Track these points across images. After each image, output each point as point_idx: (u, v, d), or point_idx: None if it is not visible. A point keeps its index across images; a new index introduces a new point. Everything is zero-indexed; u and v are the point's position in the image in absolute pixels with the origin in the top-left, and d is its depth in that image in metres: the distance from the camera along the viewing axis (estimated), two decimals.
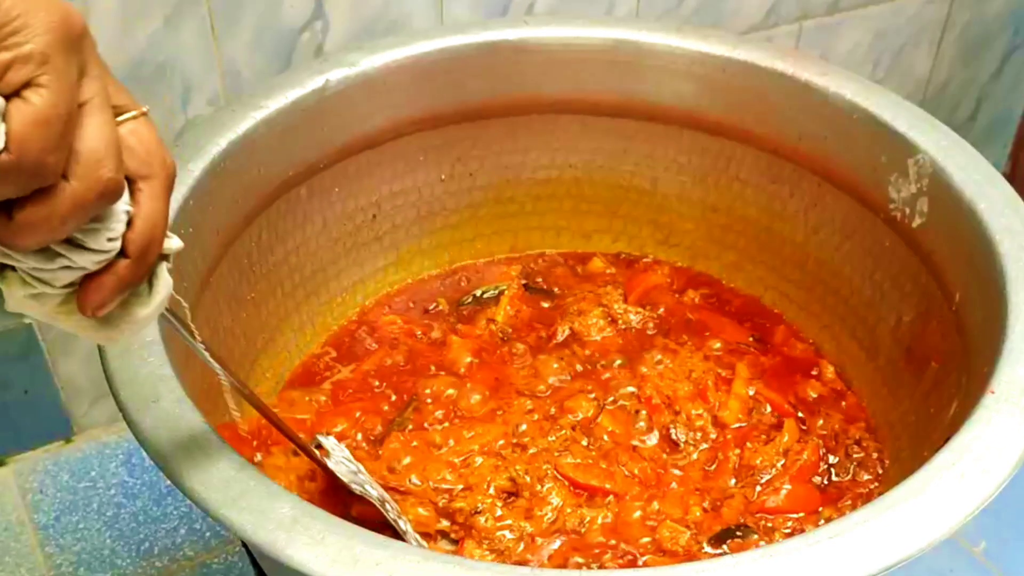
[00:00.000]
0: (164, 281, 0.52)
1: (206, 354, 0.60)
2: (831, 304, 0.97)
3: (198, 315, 0.77)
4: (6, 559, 1.05)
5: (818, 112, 0.93)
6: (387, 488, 0.81)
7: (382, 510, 0.77)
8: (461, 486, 0.82)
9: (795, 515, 0.82)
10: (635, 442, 0.86)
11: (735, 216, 1.02)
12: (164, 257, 0.52)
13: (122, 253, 0.48)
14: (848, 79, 0.92)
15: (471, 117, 0.99)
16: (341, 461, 0.78)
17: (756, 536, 0.80)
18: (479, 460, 0.84)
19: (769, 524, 0.82)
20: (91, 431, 1.17)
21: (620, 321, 0.97)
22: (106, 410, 1.16)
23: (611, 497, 0.82)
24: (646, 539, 0.79)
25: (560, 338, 0.96)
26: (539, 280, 1.05)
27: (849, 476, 0.86)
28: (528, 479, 0.82)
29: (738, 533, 0.80)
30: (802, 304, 1.00)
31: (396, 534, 0.75)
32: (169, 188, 0.50)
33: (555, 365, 0.93)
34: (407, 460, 0.84)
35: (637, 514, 0.81)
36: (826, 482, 0.86)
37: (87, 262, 0.46)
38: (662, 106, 1.00)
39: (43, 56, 0.42)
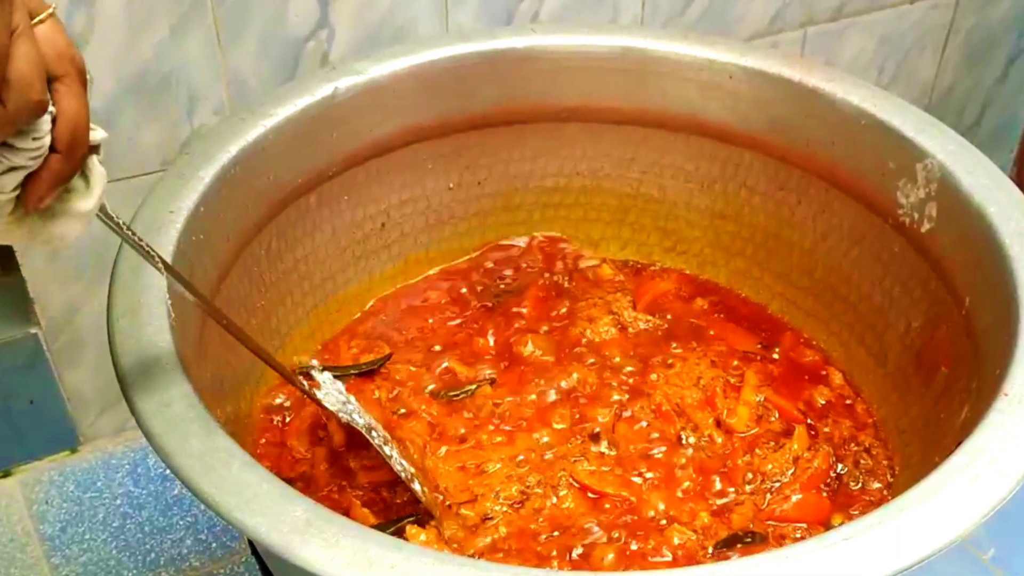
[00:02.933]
0: (98, 172, 0.56)
1: (157, 260, 0.64)
2: (839, 311, 0.97)
3: (209, 321, 0.77)
4: (12, 570, 1.05)
5: (825, 118, 0.93)
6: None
7: (368, 437, 0.80)
8: (471, 494, 0.82)
9: (805, 523, 0.82)
10: (646, 448, 0.86)
11: (743, 223, 1.02)
12: (94, 150, 0.55)
13: (53, 150, 0.52)
14: (855, 85, 0.92)
15: (479, 125, 0.99)
16: (331, 392, 0.81)
17: (765, 542, 0.80)
18: (497, 466, 0.84)
19: (780, 533, 0.82)
20: (97, 441, 1.17)
21: (630, 328, 0.97)
22: (112, 420, 1.16)
23: (622, 502, 0.82)
24: (654, 543, 0.79)
25: (571, 345, 0.96)
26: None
27: (859, 484, 0.86)
28: (540, 490, 0.82)
29: (746, 539, 0.80)
30: (810, 311, 1.00)
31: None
32: (83, 83, 0.53)
33: (569, 372, 0.93)
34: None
35: (647, 518, 0.81)
36: (835, 489, 0.85)
37: (21, 159, 0.51)
38: (669, 113, 1.00)
39: None
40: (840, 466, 0.87)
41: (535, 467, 0.84)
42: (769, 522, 0.82)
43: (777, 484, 0.84)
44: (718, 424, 0.89)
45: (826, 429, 0.90)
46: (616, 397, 0.90)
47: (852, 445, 0.89)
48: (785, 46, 1.32)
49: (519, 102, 0.99)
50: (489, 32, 1.01)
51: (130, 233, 0.61)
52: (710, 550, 0.79)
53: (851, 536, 0.58)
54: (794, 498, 0.83)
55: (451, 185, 1.02)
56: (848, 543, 0.58)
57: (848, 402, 0.93)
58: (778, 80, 0.95)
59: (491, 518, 0.80)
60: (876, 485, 0.86)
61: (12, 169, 0.51)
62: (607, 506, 0.82)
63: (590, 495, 0.82)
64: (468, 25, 1.11)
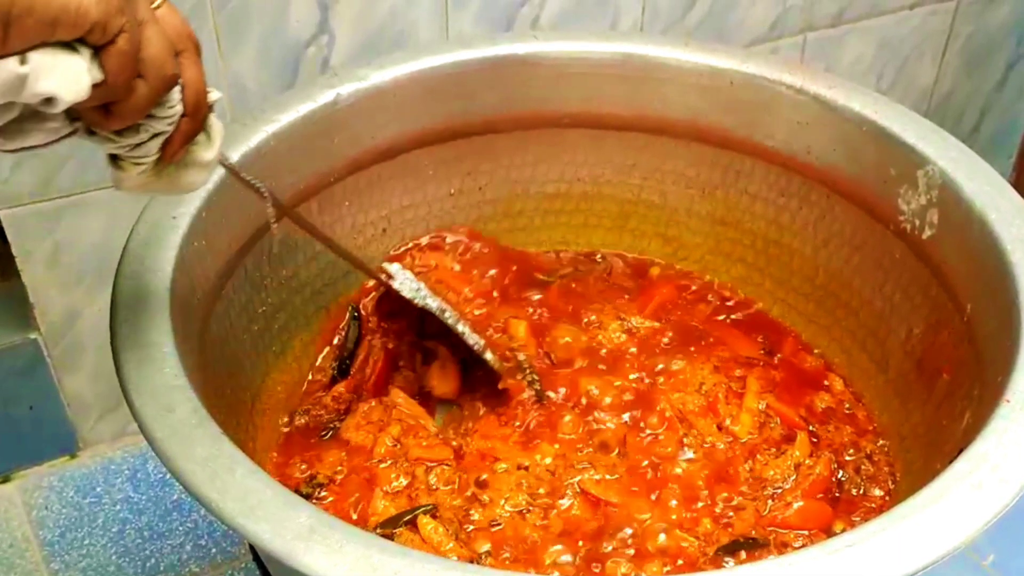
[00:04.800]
0: (217, 127, 0.65)
1: (267, 195, 0.73)
2: (841, 317, 0.97)
3: (211, 325, 0.77)
4: None
5: (827, 125, 0.93)
6: None
7: (441, 318, 0.88)
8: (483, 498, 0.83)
9: (807, 530, 0.82)
10: (649, 454, 0.86)
11: (744, 229, 1.02)
12: (210, 108, 0.64)
13: (182, 114, 0.61)
14: (856, 91, 0.92)
15: (480, 131, 0.99)
16: (403, 281, 0.89)
17: (767, 548, 0.80)
18: (505, 467, 0.84)
19: (782, 540, 0.81)
20: (96, 447, 1.17)
21: (636, 335, 0.97)
22: (111, 425, 1.16)
23: (626, 508, 0.82)
24: (656, 549, 0.79)
25: (580, 351, 0.96)
26: None
27: (861, 491, 0.86)
28: (548, 499, 0.82)
29: (748, 545, 0.80)
30: (811, 317, 1.00)
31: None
32: (199, 55, 0.62)
33: (578, 379, 0.92)
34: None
35: (649, 524, 0.81)
36: (837, 496, 0.85)
37: (162, 126, 0.60)
38: (670, 120, 1.00)
39: (120, 7, 0.53)
40: (841, 472, 0.87)
41: (543, 476, 0.84)
42: (771, 528, 0.82)
43: (779, 490, 0.84)
44: (720, 430, 0.89)
45: (828, 435, 0.90)
46: (621, 403, 0.90)
47: (853, 451, 0.89)
48: (785, 52, 1.32)
49: (520, 108, 1.00)
50: (490, 38, 1.01)
51: (243, 174, 0.72)
52: (712, 556, 0.79)
53: (854, 543, 0.58)
54: (796, 504, 0.83)
55: (452, 191, 1.02)
56: (851, 550, 0.58)
57: (849, 408, 0.93)
58: (779, 86, 0.95)
59: (498, 524, 0.80)
60: (878, 492, 0.86)
61: (155, 135, 0.60)
62: (611, 512, 0.82)
63: (596, 502, 0.82)
64: (468, 30, 1.11)
